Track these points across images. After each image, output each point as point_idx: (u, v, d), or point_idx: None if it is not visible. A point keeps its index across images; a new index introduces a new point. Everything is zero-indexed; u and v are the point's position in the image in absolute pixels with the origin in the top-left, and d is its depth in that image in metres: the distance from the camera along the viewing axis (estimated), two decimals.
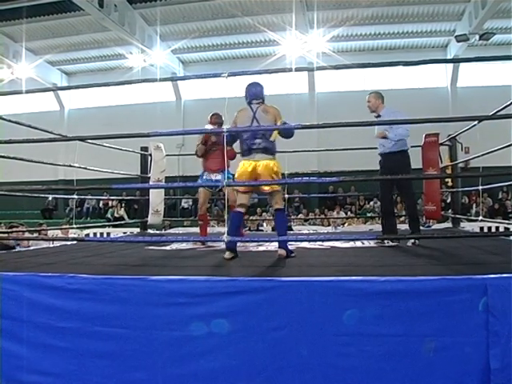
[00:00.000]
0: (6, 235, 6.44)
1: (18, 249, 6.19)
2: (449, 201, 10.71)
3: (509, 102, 4.88)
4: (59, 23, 15.71)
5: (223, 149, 5.27)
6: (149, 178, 7.15)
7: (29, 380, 3.07)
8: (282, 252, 4.30)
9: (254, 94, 4.52)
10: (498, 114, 4.93)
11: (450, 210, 8.02)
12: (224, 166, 5.48)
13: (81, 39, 16.81)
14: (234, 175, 5.05)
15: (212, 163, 5.80)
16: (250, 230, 12.27)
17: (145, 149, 7.54)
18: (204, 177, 5.87)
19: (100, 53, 18.02)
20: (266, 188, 4.40)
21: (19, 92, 5.05)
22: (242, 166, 4.40)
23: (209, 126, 5.63)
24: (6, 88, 14.86)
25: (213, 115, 5.84)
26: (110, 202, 17.15)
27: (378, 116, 5.30)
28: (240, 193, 4.54)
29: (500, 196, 15.52)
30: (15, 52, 16.56)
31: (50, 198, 16.58)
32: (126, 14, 14.33)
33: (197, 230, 11.34)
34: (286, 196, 7.92)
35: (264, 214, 15.40)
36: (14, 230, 6.80)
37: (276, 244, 5.32)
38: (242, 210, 4.51)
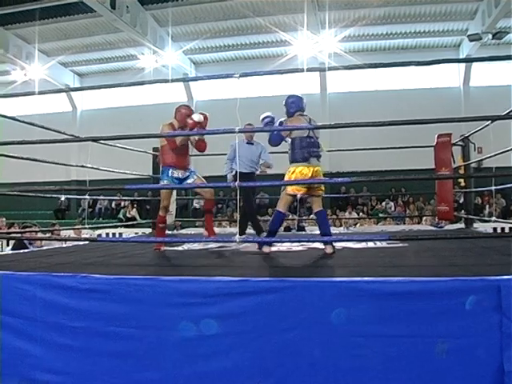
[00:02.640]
0: (19, 235, 6.49)
1: (31, 249, 6.24)
2: (461, 201, 10.64)
3: None
4: (72, 25, 15.82)
5: (189, 146, 5.43)
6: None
7: (42, 379, 3.09)
8: (330, 250, 4.52)
9: (302, 107, 4.88)
10: None
11: (462, 211, 7.97)
12: (189, 163, 5.50)
13: (93, 40, 16.92)
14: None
15: (182, 159, 5.32)
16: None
17: (157, 149, 7.55)
18: (170, 174, 5.25)
19: (112, 54, 18.11)
20: (320, 192, 4.80)
21: (32, 93, 5.08)
22: (302, 171, 4.61)
23: (197, 116, 5.09)
24: (19, 89, 14.95)
25: (187, 106, 5.54)
26: (122, 203, 17.22)
27: None
28: (289, 195, 4.74)
29: None
30: (28, 53, 16.69)
31: (63, 199, 16.67)
32: (137, 15, 14.39)
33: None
34: (298, 196, 7.92)
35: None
36: (28, 230, 6.86)
37: (288, 244, 5.35)
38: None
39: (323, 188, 4.83)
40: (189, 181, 5.31)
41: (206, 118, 5.13)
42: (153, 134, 4.54)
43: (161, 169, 5.42)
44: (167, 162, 5.29)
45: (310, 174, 4.58)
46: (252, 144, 6.58)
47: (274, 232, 4.78)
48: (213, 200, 5.58)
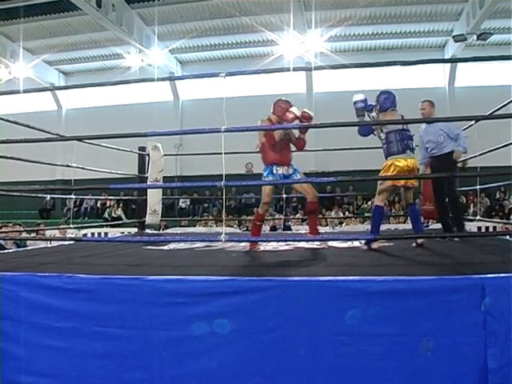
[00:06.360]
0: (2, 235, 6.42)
1: (8, 248, 6.18)
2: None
3: (506, 102, 4.89)
4: (57, 23, 15.72)
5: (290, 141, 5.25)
6: (146, 177, 7.14)
7: (26, 381, 3.06)
8: (422, 241, 4.65)
9: (395, 103, 4.88)
10: (496, 113, 4.95)
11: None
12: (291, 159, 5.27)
13: (78, 39, 16.82)
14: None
15: (285, 155, 5.11)
16: (248, 229, 12.26)
17: (143, 149, 7.53)
18: (274, 171, 5.05)
19: (98, 52, 18.02)
20: (413, 183, 4.81)
21: (17, 92, 5.03)
22: (402, 163, 4.63)
23: (296, 109, 4.93)
24: (3, 88, 14.82)
25: (286, 100, 5.16)
26: (107, 202, 17.14)
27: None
28: (390, 188, 4.79)
29: (497, 196, 15.55)
30: (13, 52, 16.55)
31: (48, 198, 16.57)
32: (123, 13, 14.34)
33: (194, 229, 11.39)
34: (284, 196, 7.93)
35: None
36: (12, 230, 6.79)
37: (274, 244, 5.34)
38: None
39: (416, 183, 4.86)
40: (295, 178, 5.15)
41: (309, 116, 5.02)
42: (138, 134, 4.50)
43: (263, 167, 5.18)
44: (270, 159, 5.10)
45: (409, 165, 4.63)
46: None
47: (377, 227, 4.78)
48: (315, 202, 5.26)
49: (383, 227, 10.65)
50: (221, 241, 3.97)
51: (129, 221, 12.31)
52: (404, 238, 5.26)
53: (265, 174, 5.12)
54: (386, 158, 4.74)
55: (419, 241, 4.67)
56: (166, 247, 5.42)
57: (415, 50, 16.92)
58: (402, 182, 4.71)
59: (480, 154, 6.05)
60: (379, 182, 4.80)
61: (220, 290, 2.96)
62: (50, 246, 6.06)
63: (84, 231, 11.37)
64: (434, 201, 5.86)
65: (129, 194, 15.15)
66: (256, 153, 6.55)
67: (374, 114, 4.93)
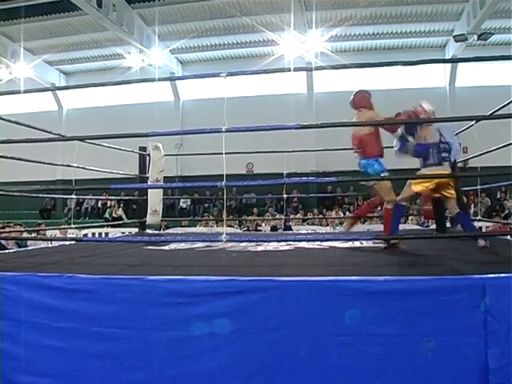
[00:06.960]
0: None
1: (11, 248, 6.18)
2: None
3: (507, 102, 4.89)
4: (57, 23, 15.75)
5: None
6: (147, 177, 7.13)
7: (26, 381, 3.05)
8: (483, 242, 4.57)
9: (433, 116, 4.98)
10: (496, 113, 4.95)
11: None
12: None
13: (79, 39, 16.85)
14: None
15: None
16: (248, 229, 12.28)
17: (143, 149, 7.52)
18: (383, 166, 4.87)
19: (98, 53, 18.05)
20: (450, 193, 4.81)
21: (17, 92, 5.03)
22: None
23: (427, 105, 4.99)
24: (4, 88, 14.83)
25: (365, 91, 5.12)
26: (108, 202, 17.15)
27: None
28: (413, 194, 4.79)
29: (498, 196, 15.55)
30: (13, 52, 16.57)
31: (48, 198, 16.61)
32: (124, 13, 14.36)
33: (195, 229, 11.38)
34: (285, 196, 7.93)
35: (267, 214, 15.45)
36: (9, 230, 6.79)
37: (275, 244, 5.34)
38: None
39: (453, 191, 4.81)
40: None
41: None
42: (139, 134, 4.50)
43: (365, 161, 4.94)
44: (376, 150, 4.91)
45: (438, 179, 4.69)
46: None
47: (396, 225, 4.79)
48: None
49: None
50: (221, 241, 3.97)
51: (129, 221, 12.31)
52: (404, 238, 5.26)
53: (376, 166, 4.86)
54: (422, 168, 4.83)
55: (481, 243, 4.56)
56: (166, 247, 5.42)
57: (416, 49, 16.94)
58: (427, 192, 4.78)
59: (480, 154, 6.05)
60: (406, 184, 4.80)
61: (220, 290, 2.96)
62: (50, 246, 6.06)
63: (85, 231, 11.38)
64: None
65: (129, 194, 15.16)
66: (256, 153, 6.57)
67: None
